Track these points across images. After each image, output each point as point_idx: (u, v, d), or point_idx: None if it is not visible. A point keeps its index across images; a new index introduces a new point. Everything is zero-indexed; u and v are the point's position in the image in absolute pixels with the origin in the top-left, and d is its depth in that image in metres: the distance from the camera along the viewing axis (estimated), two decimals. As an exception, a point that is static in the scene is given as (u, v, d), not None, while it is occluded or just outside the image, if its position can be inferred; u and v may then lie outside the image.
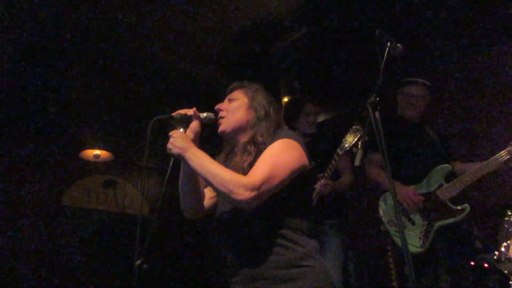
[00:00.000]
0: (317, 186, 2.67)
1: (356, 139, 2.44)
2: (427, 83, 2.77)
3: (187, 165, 1.48)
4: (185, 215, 1.61)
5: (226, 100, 1.66)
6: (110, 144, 5.32)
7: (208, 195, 1.64)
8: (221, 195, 1.39)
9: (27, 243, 4.72)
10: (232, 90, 1.69)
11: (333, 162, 2.64)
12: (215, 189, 1.38)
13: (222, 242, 1.51)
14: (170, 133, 1.49)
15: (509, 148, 2.27)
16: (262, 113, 1.58)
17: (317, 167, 2.83)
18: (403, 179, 2.49)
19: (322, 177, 2.69)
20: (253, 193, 1.29)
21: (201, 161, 1.40)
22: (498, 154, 2.29)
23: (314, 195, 2.71)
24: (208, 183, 1.40)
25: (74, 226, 5.20)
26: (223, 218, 1.52)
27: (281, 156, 1.40)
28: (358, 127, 2.44)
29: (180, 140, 1.45)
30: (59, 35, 3.73)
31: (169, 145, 1.45)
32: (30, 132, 4.95)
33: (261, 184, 1.30)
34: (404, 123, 2.75)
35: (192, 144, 1.46)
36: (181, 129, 1.52)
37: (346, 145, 2.50)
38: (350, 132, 2.49)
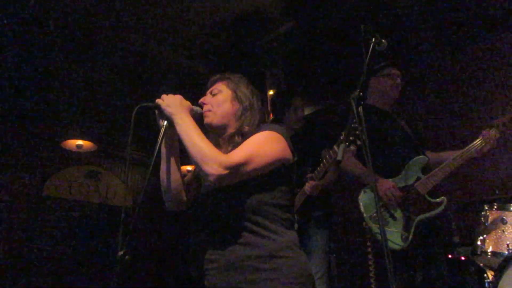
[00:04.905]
0: (307, 188, 2.68)
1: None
2: None
3: (169, 133, 1.49)
4: (167, 206, 1.58)
5: (208, 94, 1.63)
6: (93, 135, 5.25)
7: (191, 187, 1.62)
8: (194, 165, 1.38)
9: (8, 233, 4.65)
10: (214, 83, 1.66)
11: (322, 166, 2.64)
12: (191, 158, 1.37)
13: (200, 231, 1.50)
14: (167, 95, 1.48)
15: (482, 135, 2.32)
16: (247, 103, 1.58)
17: (303, 161, 2.87)
18: (378, 170, 2.44)
19: (310, 178, 2.69)
20: (225, 172, 1.29)
21: (188, 128, 1.39)
22: (473, 143, 2.32)
23: (301, 195, 2.72)
24: (187, 152, 1.37)
25: (55, 217, 5.13)
26: (202, 207, 1.52)
27: (262, 145, 1.40)
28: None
29: (174, 102, 1.45)
30: (40, 24, 3.65)
31: (162, 103, 1.45)
32: (11, 121, 4.85)
33: (236, 166, 1.31)
34: (377, 113, 2.66)
35: (186, 112, 1.45)
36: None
37: (338, 156, 2.47)
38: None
